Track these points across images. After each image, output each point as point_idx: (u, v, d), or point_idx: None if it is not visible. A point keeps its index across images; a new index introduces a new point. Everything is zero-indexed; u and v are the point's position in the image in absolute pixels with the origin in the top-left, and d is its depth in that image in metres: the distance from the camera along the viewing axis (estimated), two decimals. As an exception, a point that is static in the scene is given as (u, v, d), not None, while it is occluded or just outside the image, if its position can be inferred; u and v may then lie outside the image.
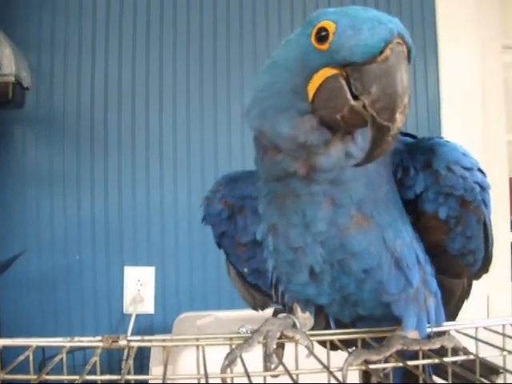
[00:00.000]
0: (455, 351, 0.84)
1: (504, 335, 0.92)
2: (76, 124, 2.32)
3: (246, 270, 1.08)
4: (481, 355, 0.81)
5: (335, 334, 0.90)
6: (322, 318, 0.98)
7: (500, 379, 0.84)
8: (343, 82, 0.70)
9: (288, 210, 0.83)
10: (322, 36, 0.71)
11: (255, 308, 1.14)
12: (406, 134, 0.92)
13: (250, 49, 2.42)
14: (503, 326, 0.95)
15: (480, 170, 0.85)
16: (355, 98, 0.69)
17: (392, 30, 0.68)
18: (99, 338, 0.84)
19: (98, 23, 2.34)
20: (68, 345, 0.83)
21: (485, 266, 0.96)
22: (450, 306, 0.99)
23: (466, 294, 1.04)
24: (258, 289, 1.10)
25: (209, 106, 2.38)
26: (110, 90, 2.34)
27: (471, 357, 0.81)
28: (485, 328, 0.95)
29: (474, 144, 2.48)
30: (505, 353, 0.82)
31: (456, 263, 0.94)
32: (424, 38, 2.55)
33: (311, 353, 0.83)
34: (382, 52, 0.67)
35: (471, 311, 1.07)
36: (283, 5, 2.46)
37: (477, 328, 0.94)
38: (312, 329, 0.97)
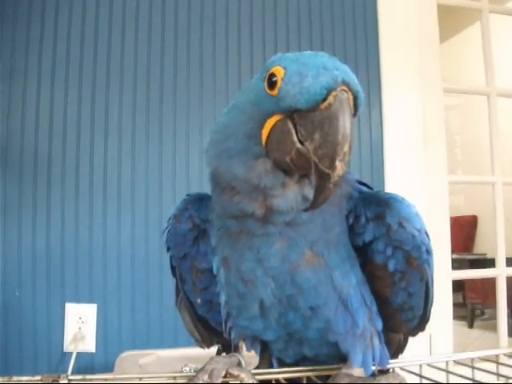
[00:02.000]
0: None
1: (448, 372, 0.93)
2: (19, 156, 2.27)
3: (199, 300, 1.05)
4: (425, 392, 0.82)
5: (281, 373, 0.90)
6: (266, 359, 0.97)
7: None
8: (291, 126, 0.72)
9: (241, 246, 0.84)
10: (272, 82, 0.73)
11: (200, 345, 1.12)
12: (363, 184, 0.94)
13: (196, 79, 2.43)
14: (446, 362, 0.96)
15: (427, 234, 0.88)
16: (301, 143, 0.70)
17: (336, 78, 0.69)
18: (39, 377, 0.81)
19: (44, 53, 2.31)
20: (5, 384, 0.80)
21: (422, 323, 0.98)
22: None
23: (400, 348, 1.06)
24: (206, 324, 1.08)
25: (154, 142, 2.37)
26: (55, 122, 2.30)
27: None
28: (429, 365, 0.96)
29: (415, 184, 2.54)
30: (449, 389, 0.83)
31: (396, 317, 0.95)
32: (368, 80, 2.60)
33: (256, 391, 0.82)
34: (325, 99, 0.68)
35: (414, 349, 1.08)
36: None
37: (421, 365, 0.95)
38: (257, 368, 0.96)
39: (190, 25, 2.45)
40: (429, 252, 0.87)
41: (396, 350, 1.03)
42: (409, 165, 2.58)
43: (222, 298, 0.95)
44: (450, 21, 5.33)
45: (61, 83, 2.32)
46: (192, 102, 2.41)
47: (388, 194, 0.89)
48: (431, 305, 0.94)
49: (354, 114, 0.74)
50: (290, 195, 0.76)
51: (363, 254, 0.90)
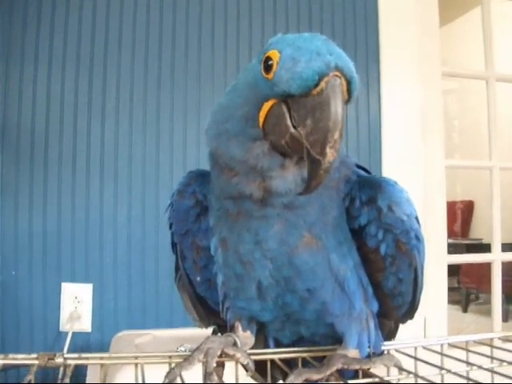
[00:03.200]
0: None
1: (442, 354, 0.94)
2: (16, 137, 2.26)
3: (198, 278, 1.05)
4: (420, 374, 0.82)
5: (276, 353, 0.90)
6: (262, 339, 0.97)
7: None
8: (285, 110, 0.71)
9: (239, 227, 0.84)
10: (268, 65, 0.73)
11: (198, 324, 1.12)
12: (361, 168, 0.94)
13: (194, 64, 2.42)
14: (441, 345, 0.97)
15: (417, 220, 0.88)
16: (295, 127, 0.71)
17: (329, 63, 0.69)
18: (35, 355, 0.81)
19: (42, 35, 2.30)
20: (1, 362, 0.80)
21: (411, 310, 0.98)
22: None
23: (391, 334, 1.06)
24: (205, 303, 1.08)
25: (152, 121, 2.36)
26: (52, 103, 2.29)
27: (411, 376, 0.82)
28: (424, 348, 0.97)
29: (413, 168, 2.54)
30: (443, 371, 0.84)
31: (387, 303, 0.96)
32: (367, 63, 2.59)
33: (252, 372, 0.82)
34: (317, 85, 0.68)
35: (409, 332, 1.08)
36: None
37: (416, 348, 0.95)
38: (252, 348, 0.96)
39: (189, 7, 2.43)
40: (418, 238, 0.87)
41: (387, 336, 1.04)
42: (406, 149, 2.58)
43: (220, 279, 0.95)
44: (451, 4, 5.31)
45: (58, 64, 2.31)
46: (189, 83, 2.40)
47: (382, 178, 0.89)
48: (420, 292, 0.95)
49: (349, 100, 0.73)
50: (289, 177, 0.76)
51: (358, 237, 0.90)
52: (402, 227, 0.85)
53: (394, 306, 0.96)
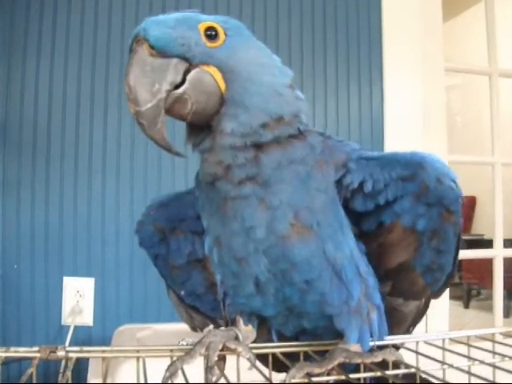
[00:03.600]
0: (396, 365, 0.84)
1: (444, 349, 0.94)
2: (18, 132, 2.26)
3: (182, 292, 1.09)
4: (422, 369, 0.82)
5: (277, 347, 0.90)
6: (265, 332, 0.98)
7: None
8: None
9: (228, 217, 0.84)
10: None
11: (194, 329, 1.14)
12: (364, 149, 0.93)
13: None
14: (443, 340, 0.97)
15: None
16: None
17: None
18: (36, 348, 0.81)
19: (44, 29, 2.29)
20: (3, 355, 0.80)
21: (447, 282, 0.97)
22: (400, 330, 0.99)
23: (420, 316, 1.04)
24: (197, 310, 1.10)
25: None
26: (55, 97, 2.29)
27: (412, 370, 0.82)
28: (425, 342, 0.97)
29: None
30: (445, 366, 0.84)
31: (416, 283, 0.94)
32: (370, 57, 2.59)
33: (253, 365, 0.82)
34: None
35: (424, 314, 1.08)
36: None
37: (418, 342, 0.95)
38: (254, 342, 0.96)
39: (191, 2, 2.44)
40: (462, 202, 0.87)
41: (414, 319, 1.03)
42: (409, 144, 2.57)
43: (218, 278, 0.96)
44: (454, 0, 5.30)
45: (60, 59, 2.30)
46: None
47: (412, 153, 0.88)
48: (458, 258, 0.94)
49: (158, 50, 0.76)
50: (215, 146, 0.80)
51: (374, 220, 0.90)
52: (452, 196, 0.85)
53: (428, 282, 0.94)
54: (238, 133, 0.77)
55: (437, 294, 1.00)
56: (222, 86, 0.77)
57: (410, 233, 0.89)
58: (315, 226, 0.83)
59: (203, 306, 1.08)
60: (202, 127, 0.81)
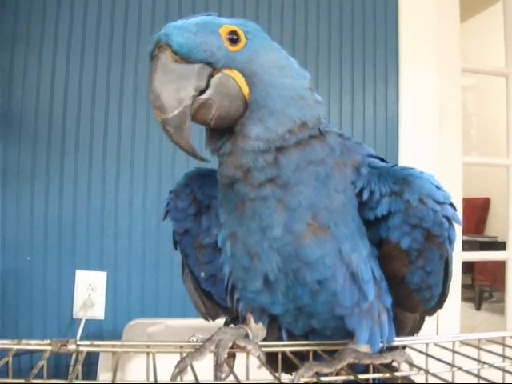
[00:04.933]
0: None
1: (454, 351, 0.93)
2: (33, 124, 2.28)
3: (202, 274, 1.06)
4: (431, 371, 0.82)
5: (287, 346, 0.90)
6: (275, 330, 0.97)
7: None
8: None
9: (246, 216, 0.84)
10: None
11: (205, 317, 1.13)
12: (378, 157, 0.93)
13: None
14: (453, 342, 0.96)
15: (452, 205, 0.86)
16: None
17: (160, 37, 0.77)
18: (48, 341, 0.82)
19: (61, 22, 2.30)
20: (15, 347, 0.81)
21: (440, 302, 0.96)
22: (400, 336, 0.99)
23: (416, 328, 1.05)
24: (211, 297, 1.09)
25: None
26: (70, 90, 2.31)
27: (421, 372, 0.82)
28: (435, 344, 0.96)
29: (429, 164, 2.52)
30: (454, 369, 0.83)
31: (412, 297, 0.94)
32: (386, 57, 2.58)
33: (263, 363, 0.82)
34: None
35: (421, 329, 1.08)
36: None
37: (427, 344, 0.95)
38: (264, 340, 0.96)
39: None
40: (451, 225, 0.85)
41: (411, 329, 1.03)
42: (423, 144, 2.57)
43: (226, 270, 0.95)
44: (472, 0, 5.26)
45: (77, 49, 2.32)
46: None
47: (405, 168, 0.87)
48: (450, 282, 0.93)
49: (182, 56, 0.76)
50: (238, 150, 0.80)
51: (377, 231, 0.89)
52: (434, 219, 0.83)
53: (421, 299, 0.94)
54: (264, 138, 0.78)
55: (430, 312, 1.00)
56: (245, 89, 0.78)
57: (400, 249, 0.88)
58: (332, 226, 0.83)
59: (219, 292, 1.06)
60: (222, 131, 0.81)
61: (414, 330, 1.04)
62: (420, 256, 0.88)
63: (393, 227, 0.87)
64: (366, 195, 0.86)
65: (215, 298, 1.09)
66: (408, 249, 0.87)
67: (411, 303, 0.95)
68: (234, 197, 0.85)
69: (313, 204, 0.82)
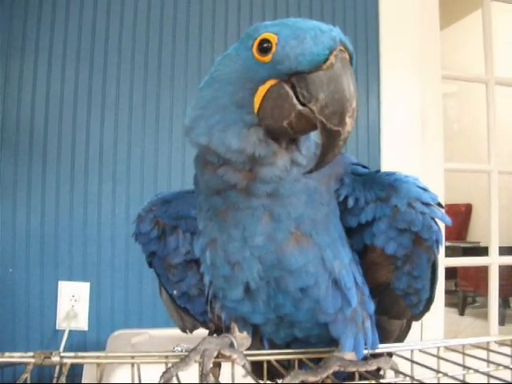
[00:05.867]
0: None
1: (439, 357, 0.94)
2: (15, 134, 2.26)
3: (175, 292, 1.09)
4: (416, 377, 0.82)
5: (272, 354, 0.90)
6: (257, 340, 0.97)
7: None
8: (288, 89, 0.71)
9: (229, 224, 0.83)
10: (264, 47, 0.73)
11: (184, 330, 1.15)
12: (360, 165, 0.93)
13: (195, 63, 2.41)
14: (438, 348, 0.97)
15: (440, 205, 0.86)
16: (302, 105, 0.71)
17: (335, 38, 0.70)
18: (31, 353, 0.81)
19: (42, 30, 2.29)
20: (-3, 360, 0.80)
21: (427, 306, 0.97)
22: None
23: (403, 334, 1.05)
24: (187, 312, 1.10)
25: (151, 121, 2.36)
26: (52, 100, 2.29)
27: (407, 379, 0.82)
28: (420, 351, 0.97)
29: (412, 171, 2.52)
30: (440, 375, 0.84)
31: (398, 303, 0.95)
32: (367, 65, 2.60)
33: (248, 372, 0.82)
34: (327, 59, 0.69)
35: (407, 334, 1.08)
36: (221, 20, 2.48)
37: (412, 350, 0.95)
38: (248, 349, 0.96)
39: (190, 5, 2.44)
40: (439, 228, 0.86)
41: (398, 336, 1.03)
42: (405, 151, 2.58)
43: (207, 279, 0.95)
44: (452, 7, 5.31)
45: (58, 60, 2.31)
46: (189, 80, 2.40)
47: (390, 174, 0.88)
48: (436, 285, 0.94)
49: None
50: (280, 162, 0.76)
51: (360, 238, 0.90)
52: (423, 222, 0.84)
53: (408, 305, 0.95)
54: (306, 156, 0.79)
55: (417, 317, 1.00)
56: None
57: (385, 255, 0.88)
58: (314, 235, 0.83)
59: (194, 308, 1.09)
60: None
61: (401, 336, 1.04)
62: (407, 261, 0.88)
63: (378, 233, 0.87)
64: (351, 203, 0.87)
65: (191, 313, 1.10)
66: (394, 254, 0.87)
67: (397, 310, 0.96)
68: (218, 203, 0.84)
69: (300, 215, 0.82)
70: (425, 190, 0.86)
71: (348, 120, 0.69)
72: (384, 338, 0.97)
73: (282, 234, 0.81)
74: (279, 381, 0.79)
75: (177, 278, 1.07)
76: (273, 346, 0.96)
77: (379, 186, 0.86)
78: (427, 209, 0.84)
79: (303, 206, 0.82)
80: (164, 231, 1.04)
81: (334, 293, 0.85)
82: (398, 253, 0.87)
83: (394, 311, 0.96)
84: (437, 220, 0.85)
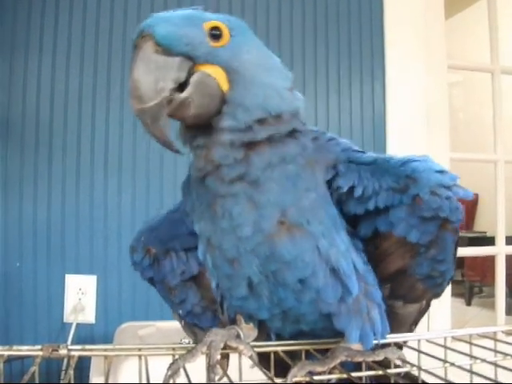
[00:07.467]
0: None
1: (446, 347, 0.94)
2: (20, 128, 2.27)
3: (180, 311, 1.10)
4: (424, 367, 0.82)
5: (279, 345, 0.90)
6: (264, 333, 0.97)
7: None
8: None
9: (218, 215, 0.83)
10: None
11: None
12: (355, 150, 0.91)
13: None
14: (445, 338, 0.97)
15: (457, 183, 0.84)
16: None
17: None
18: (39, 346, 0.82)
19: (46, 26, 2.29)
20: (6, 353, 0.81)
21: (448, 283, 0.95)
22: (401, 331, 0.99)
23: (421, 315, 1.03)
24: (199, 327, 1.11)
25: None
26: (57, 95, 2.30)
27: (414, 368, 0.82)
28: (427, 341, 0.96)
29: (418, 160, 2.52)
30: (447, 365, 0.83)
31: (415, 287, 0.93)
32: (372, 54, 2.59)
33: (255, 364, 0.82)
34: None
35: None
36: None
37: (419, 340, 0.95)
38: (255, 340, 0.96)
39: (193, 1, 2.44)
40: (459, 207, 0.83)
41: (415, 319, 1.01)
42: (411, 141, 2.58)
43: (213, 284, 0.96)
44: (457, -4, 5.29)
45: (62, 54, 2.31)
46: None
47: (404, 162, 0.85)
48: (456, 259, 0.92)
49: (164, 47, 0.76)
50: (216, 145, 0.80)
51: (368, 225, 0.89)
52: (450, 206, 0.82)
53: (429, 287, 0.93)
54: (235, 130, 0.78)
55: (438, 295, 0.98)
56: (225, 86, 0.77)
57: (404, 243, 0.87)
58: (305, 224, 0.82)
59: (202, 323, 1.09)
60: (197, 125, 0.80)
61: (418, 318, 1.02)
62: (431, 246, 0.87)
63: (396, 221, 0.85)
64: (359, 191, 0.85)
65: (201, 326, 1.11)
66: (417, 241, 0.86)
67: (415, 294, 0.94)
68: (205, 193, 0.85)
69: (282, 202, 0.81)
70: (442, 172, 0.84)
71: (132, 101, 0.76)
72: (400, 323, 0.97)
73: (267, 223, 0.81)
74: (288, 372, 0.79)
75: (178, 299, 1.08)
76: (279, 338, 0.96)
77: (393, 177, 0.84)
78: (450, 192, 0.82)
79: (284, 192, 0.81)
80: (156, 257, 1.06)
81: (333, 282, 0.84)
82: (421, 240, 0.86)
83: (411, 295, 0.95)
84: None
